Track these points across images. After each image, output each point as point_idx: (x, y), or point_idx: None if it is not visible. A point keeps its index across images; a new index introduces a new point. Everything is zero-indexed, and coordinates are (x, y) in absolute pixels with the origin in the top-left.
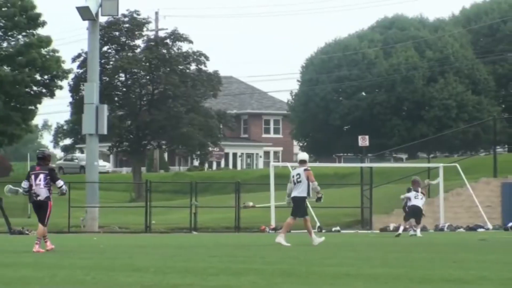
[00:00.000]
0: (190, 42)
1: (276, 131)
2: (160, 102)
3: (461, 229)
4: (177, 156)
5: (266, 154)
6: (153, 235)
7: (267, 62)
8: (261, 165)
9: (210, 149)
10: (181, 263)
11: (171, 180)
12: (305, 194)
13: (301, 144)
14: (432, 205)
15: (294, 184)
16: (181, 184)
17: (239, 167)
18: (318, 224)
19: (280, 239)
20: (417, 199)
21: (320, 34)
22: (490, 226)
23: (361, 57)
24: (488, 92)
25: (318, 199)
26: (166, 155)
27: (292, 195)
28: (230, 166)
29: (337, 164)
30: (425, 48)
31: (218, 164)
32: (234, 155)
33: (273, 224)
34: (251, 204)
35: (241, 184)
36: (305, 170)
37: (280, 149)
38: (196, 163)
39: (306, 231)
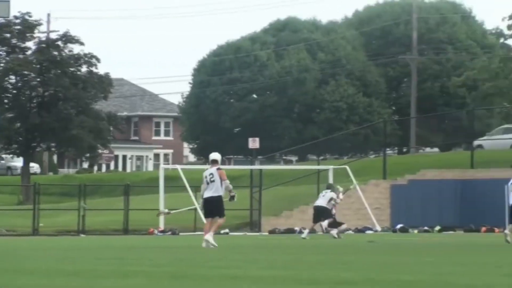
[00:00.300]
0: (82, 44)
1: (167, 133)
2: (50, 104)
3: (350, 231)
4: (67, 159)
5: (156, 156)
6: (41, 238)
7: (158, 65)
8: (150, 167)
9: (100, 151)
10: (69, 265)
11: (60, 183)
12: (221, 193)
13: (191, 147)
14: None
15: (207, 184)
16: (70, 187)
17: (128, 170)
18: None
19: (209, 237)
20: (320, 199)
21: (212, 36)
22: (378, 228)
23: (253, 59)
24: (379, 94)
25: (231, 197)
26: (55, 157)
27: (207, 195)
28: (120, 168)
29: (227, 166)
30: (317, 51)
31: (108, 166)
32: (124, 157)
33: (161, 226)
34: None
35: (131, 187)
36: (217, 169)
37: (170, 151)
38: (85, 165)
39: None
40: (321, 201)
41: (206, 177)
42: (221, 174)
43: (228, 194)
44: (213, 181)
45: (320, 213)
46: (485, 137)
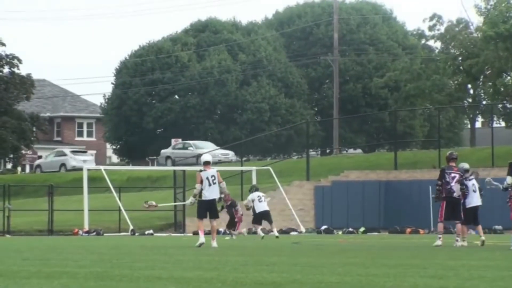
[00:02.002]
0: (3, 45)
1: (89, 134)
2: None
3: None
4: None
5: None
6: None
7: (80, 66)
8: None
9: (23, 152)
10: None
11: None
12: (218, 195)
13: (114, 147)
14: (245, 209)
15: (209, 185)
16: None
17: None
18: (131, 227)
19: (215, 244)
20: (262, 202)
21: (134, 37)
22: (303, 229)
23: (174, 60)
24: (301, 95)
25: (220, 199)
26: None
27: (209, 197)
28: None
29: (150, 168)
30: (238, 51)
31: (31, 167)
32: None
33: (86, 227)
34: (154, 203)
35: (54, 187)
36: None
37: (93, 152)
38: (9, 166)
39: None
40: (264, 205)
41: (208, 178)
42: (219, 176)
43: (220, 195)
44: (215, 183)
45: (267, 217)
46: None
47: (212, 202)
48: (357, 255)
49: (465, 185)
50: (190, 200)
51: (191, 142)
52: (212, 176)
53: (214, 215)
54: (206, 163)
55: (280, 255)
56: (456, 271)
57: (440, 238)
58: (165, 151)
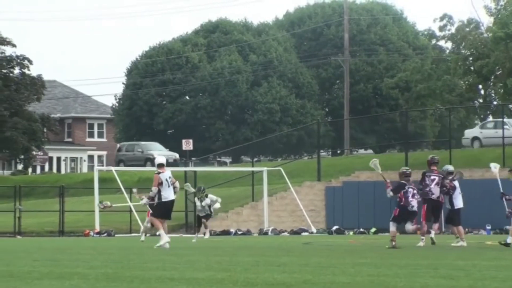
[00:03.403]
0: (14, 46)
1: (100, 135)
2: None
3: (285, 233)
4: (1, 160)
5: (90, 158)
6: None
7: (91, 66)
8: (85, 169)
9: (34, 153)
10: (4, 267)
11: None
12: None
13: None
14: (255, 209)
15: (168, 186)
16: (5, 188)
17: (63, 171)
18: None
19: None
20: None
21: (144, 38)
22: (314, 229)
23: (184, 61)
24: (312, 96)
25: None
26: None
27: (170, 198)
28: (54, 170)
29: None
30: (249, 52)
31: (42, 168)
32: (58, 159)
33: (97, 228)
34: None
35: (65, 188)
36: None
37: (104, 153)
38: (20, 167)
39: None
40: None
41: (166, 180)
42: (173, 177)
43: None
44: (171, 184)
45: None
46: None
47: (171, 203)
48: (368, 255)
49: (445, 186)
50: (144, 201)
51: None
52: (170, 177)
53: (169, 217)
54: (161, 165)
55: (291, 256)
56: (467, 271)
57: (423, 239)
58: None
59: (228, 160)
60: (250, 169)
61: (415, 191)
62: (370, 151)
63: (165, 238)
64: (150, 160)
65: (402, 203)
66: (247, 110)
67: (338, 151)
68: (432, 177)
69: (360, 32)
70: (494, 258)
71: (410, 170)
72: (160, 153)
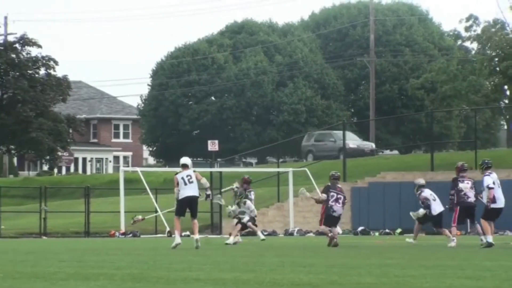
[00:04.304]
0: (39, 46)
1: (126, 135)
2: (9, 106)
3: (311, 234)
4: (27, 161)
5: (116, 158)
6: (2, 240)
7: (116, 67)
8: (110, 170)
9: (60, 153)
10: (30, 268)
11: (21, 185)
12: (197, 193)
13: (150, 149)
14: (281, 210)
15: (185, 184)
16: (31, 189)
17: (88, 172)
18: (168, 229)
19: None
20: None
21: (170, 38)
22: (340, 231)
23: (210, 62)
24: (337, 97)
25: (208, 196)
26: (15, 159)
27: (186, 194)
28: (80, 171)
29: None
30: (274, 53)
31: (68, 169)
32: (84, 159)
33: (122, 229)
34: (140, 217)
35: (91, 189)
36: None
37: (129, 154)
38: (45, 167)
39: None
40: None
41: (183, 178)
42: (198, 175)
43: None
44: (192, 182)
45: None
46: None
47: (190, 199)
48: (394, 256)
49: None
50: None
51: None
52: (188, 176)
53: (194, 214)
54: (184, 166)
55: (317, 257)
56: (493, 272)
57: (454, 240)
58: None
59: (253, 161)
60: (276, 169)
61: (339, 196)
62: (395, 151)
63: (176, 240)
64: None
65: (325, 207)
66: (273, 111)
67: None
68: (466, 182)
69: (386, 33)
70: None
71: (338, 173)
72: (354, 142)
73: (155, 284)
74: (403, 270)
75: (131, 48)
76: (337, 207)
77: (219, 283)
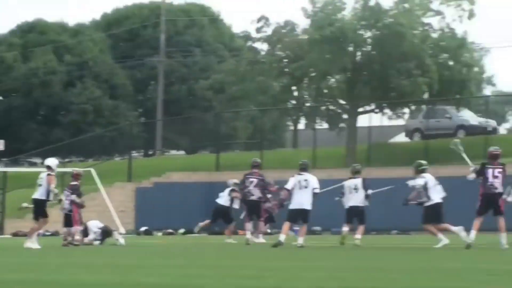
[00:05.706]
0: None
1: None
2: None
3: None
4: None
5: None
6: None
7: None
8: None
9: None
10: None
11: None
12: (44, 197)
13: None
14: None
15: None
16: None
17: None
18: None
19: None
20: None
21: None
22: (123, 230)
23: None
24: (126, 97)
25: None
26: None
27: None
28: None
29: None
30: (64, 53)
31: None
32: None
33: None
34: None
35: None
36: (48, 175)
37: None
38: None
39: None
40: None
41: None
42: (50, 180)
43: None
44: (41, 185)
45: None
46: None
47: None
48: (177, 256)
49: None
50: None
51: None
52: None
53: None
54: (48, 168)
55: (98, 257)
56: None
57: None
58: None
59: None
60: (62, 170)
61: (254, 180)
62: (182, 152)
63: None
64: (464, 128)
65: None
66: (61, 111)
67: (150, 152)
68: (496, 170)
69: (177, 33)
70: None
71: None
72: (475, 120)
73: None
74: (187, 270)
75: None
76: (256, 191)
77: None
